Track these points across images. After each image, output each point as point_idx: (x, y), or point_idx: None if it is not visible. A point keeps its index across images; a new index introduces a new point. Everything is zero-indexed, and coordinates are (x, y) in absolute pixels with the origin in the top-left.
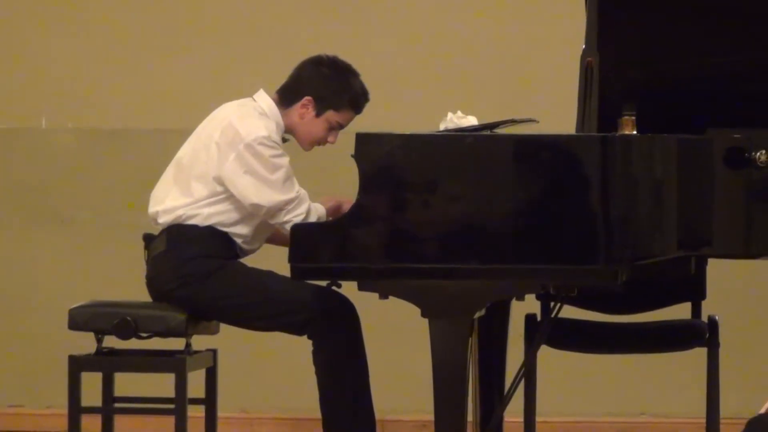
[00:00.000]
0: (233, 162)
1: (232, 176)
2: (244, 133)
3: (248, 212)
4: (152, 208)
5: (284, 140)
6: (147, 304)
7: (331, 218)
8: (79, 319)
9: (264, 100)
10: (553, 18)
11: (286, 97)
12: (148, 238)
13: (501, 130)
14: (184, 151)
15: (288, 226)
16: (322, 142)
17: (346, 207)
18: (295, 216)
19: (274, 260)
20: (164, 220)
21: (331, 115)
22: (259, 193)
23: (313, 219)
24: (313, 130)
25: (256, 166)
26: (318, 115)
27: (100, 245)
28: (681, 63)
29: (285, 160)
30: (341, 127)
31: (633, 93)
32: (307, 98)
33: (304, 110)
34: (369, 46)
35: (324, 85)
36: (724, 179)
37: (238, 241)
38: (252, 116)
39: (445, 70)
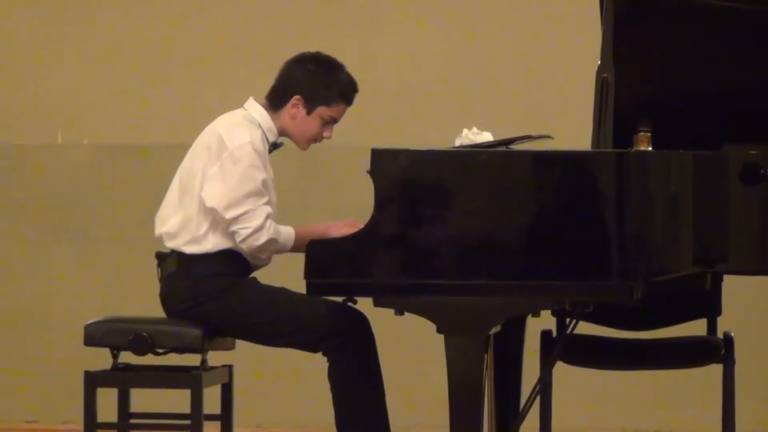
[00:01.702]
0: (215, 169)
1: (208, 181)
2: (228, 142)
3: None
4: (158, 230)
5: (277, 145)
6: (163, 319)
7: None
8: (95, 335)
9: (254, 108)
10: (568, 34)
11: (275, 100)
12: (161, 257)
13: (516, 147)
14: (183, 171)
15: (238, 239)
16: (318, 138)
17: (333, 231)
18: (241, 228)
19: (291, 275)
20: (171, 243)
21: (322, 110)
22: (218, 200)
23: (263, 240)
24: (306, 128)
25: (229, 174)
26: (309, 112)
27: (116, 260)
28: (697, 79)
29: (259, 175)
30: (334, 121)
31: (649, 109)
32: (296, 97)
33: (294, 110)
34: (384, 62)
35: (311, 82)
36: (739, 195)
37: (246, 256)
38: (239, 125)
39: (460, 86)
